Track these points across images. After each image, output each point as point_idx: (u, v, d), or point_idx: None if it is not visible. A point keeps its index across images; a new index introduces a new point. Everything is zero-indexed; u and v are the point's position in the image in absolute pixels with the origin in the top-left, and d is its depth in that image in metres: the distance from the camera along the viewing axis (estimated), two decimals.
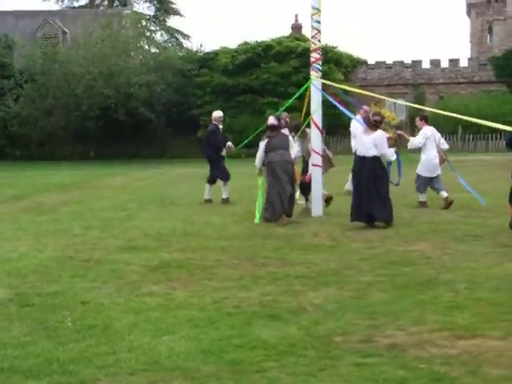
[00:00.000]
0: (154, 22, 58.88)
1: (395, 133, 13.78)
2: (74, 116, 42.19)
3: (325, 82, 13.52)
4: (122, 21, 48.32)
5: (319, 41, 12.93)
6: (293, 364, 4.97)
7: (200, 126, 41.61)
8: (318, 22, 12.83)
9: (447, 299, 6.59)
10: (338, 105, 13.48)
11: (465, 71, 47.44)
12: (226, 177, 15.32)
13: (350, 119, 15.25)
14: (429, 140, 13.81)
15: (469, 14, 65.39)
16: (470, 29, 65.59)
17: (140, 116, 41.82)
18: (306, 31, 42.53)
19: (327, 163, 13.55)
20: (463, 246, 9.39)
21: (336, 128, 37.97)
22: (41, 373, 4.89)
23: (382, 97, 17.10)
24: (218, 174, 15.40)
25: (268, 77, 42.44)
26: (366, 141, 11.49)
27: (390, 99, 17.81)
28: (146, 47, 49.42)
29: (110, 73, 41.68)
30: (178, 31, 60.53)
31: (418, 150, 14.15)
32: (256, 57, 43.29)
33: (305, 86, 13.59)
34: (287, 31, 49.13)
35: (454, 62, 47.94)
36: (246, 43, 44.92)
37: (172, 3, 62.48)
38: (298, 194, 13.72)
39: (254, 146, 14.21)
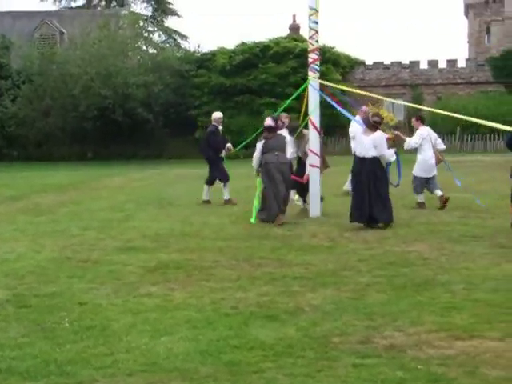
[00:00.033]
0: (151, 22, 58.88)
1: (393, 133, 13.77)
2: (71, 117, 42.19)
3: (323, 82, 13.53)
4: (119, 21, 48.31)
5: (317, 41, 12.94)
6: (290, 365, 4.97)
7: (198, 127, 41.62)
8: (316, 23, 12.84)
9: (445, 300, 6.60)
10: (337, 106, 13.49)
11: (463, 72, 47.50)
12: (225, 178, 15.33)
13: (348, 120, 15.25)
14: (425, 140, 13.82)
15: (466, 14, 65.43)
16: (467, 29, 65.62)
17: (138, 116, 41.81)
18: (304, 32, 42.50)
19: (322, 164, 13.56)
20: (461, 246, 9.40)
21: (334, 128, 38.03)
22: (38, 374, 4.89)
23: (379, 97, 17.08)
24: (217, 175, 15.41)
25: (266, 77, 42.44)
26: (365, 141, 11.50)
27: (388, 99, 17.78)
28: (144, 48, 49.40)
29: (108, 73, 41.66)
30: (175, 32, 60.57)
31: (415, 151, 14.16)
32: (254, 57, 43.29)
33: (302, 87, 13.60)
34: (285, 32, 49.25)
35: (451, 63, 48.00)
36: (243, 44, 44.93)
37: (169, 3, 62.57)
38: (295, 196, 13.75)
39: (252, 146, 14.22)
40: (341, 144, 40.90)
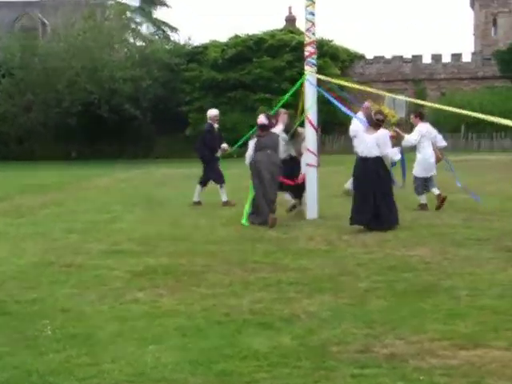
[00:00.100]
0: (139, 13, 58.84)
1: (394, 130, 13.80)
2: (54, 112, 42.19)
3: (320, 76, 13.55)
4: (105, 12, 48.39)
5: (314, 34, 12.96)
6: (286, 375, 4.98)
7: (188, 124, 41.64)
8: (313, 14, 12.85)
9: (448, 307, 6.60)
10: (337, 103, 13.49)
11: (468, 66, 47.65)
12: (220, 180, 15.32)
13: (347, 116, 15.25)
14: (424, 138, 13.82)
15: (472, 5, 65.55)
16: (473, 21, 65.77)
17: (125, 113, 41.83)
18: (301, 24, 42.63)
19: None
20: (465, 250, 9.41)
21: (332, 126, 38.09)
22: None
23: (380, 92, 17.10)
24: (212, 175, 15.41)
25: (260, 72, 42.49)
26: (368, 140, 11.52)
27: (389, 95, 17.79)
28: (131, 40, 49.49)
29: (93, 67, 41.69)
30: (164, 23, 60.52)
31: (413, 149, 14.17)
32: (247, 51, 43.33)
33: (299, 82, 13.60)
34: (281, 24, 49.32)
35: (456, 57, 48.14)
36: (236, 36, 44.99)
37: None
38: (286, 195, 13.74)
39: (246, 144, 14.23)
40: (339, 142, 41.00)
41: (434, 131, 14.19)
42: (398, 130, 13.99)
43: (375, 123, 11.71)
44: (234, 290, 7.46)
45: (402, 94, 42.36)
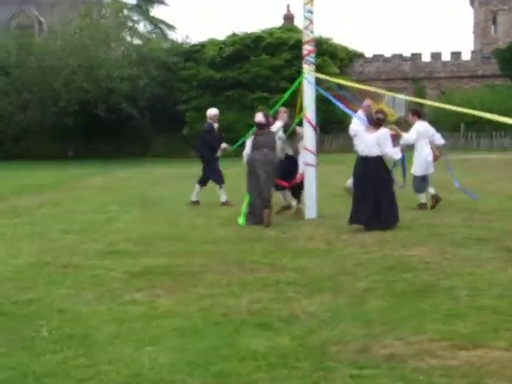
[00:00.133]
0: (136, 11, 58.82)
1: (392, 128, 13.80)
2: (51, 112, 42.17)
3: (318, 75, 13.55)
4: (102, 9, 48.35)
5: (312, 32, 12.97)
6: (284, 376, 4.98)
7: (186, 123, 41.61)
8: (311, 12, 12.86)
9: (447, 307, 6.60)
10: (337, 102, 13.49)
11: (468, 64, 47.67)
12: (220, 180, 15.33)
13: (345, 115, 15.24)
14: (422, 136, 13.82)
15: (472, 3, 65.59)
16: (473, 19, 65.80)
17: (122, 112, 41.80)
18: (299, 22, 42.62)
19: None
20: (465, 250, 9.41)
21: (331, 124, 38.04)
22: None
23: (380, 91, 17.13)
24: (211, 175, 15.42)
25: (258, 70, 42.46)
26: (368, 139, 11.53)
27: (388, 93, 17.82)
28: (128, 38, 49.42)
29: (90, 65, 41.65)
30: (162, 21, 60.51)
31: (411, 148, 14.15)
32: (245, 49, 43.31)
33: (297, 82, 13.59)
34: (279, 22, 49.32)
35: (456, 55, 48.16)
36: (234, 34, 44.96)
37: None
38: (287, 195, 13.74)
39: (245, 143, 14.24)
40: (337, 141, 40.99)
41: (431, 129, 14.18)
42: (396, 128, 13.99)
43: (376, 122, 11.71)
44: (232, 290, 7.46)
45: (402, 93, 42.31)
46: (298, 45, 34.10)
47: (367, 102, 14.77)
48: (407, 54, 48.95)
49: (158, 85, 43.56)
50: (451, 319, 6.19)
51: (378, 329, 5.99)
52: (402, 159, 12.33)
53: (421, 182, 13.77)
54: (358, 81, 38.67)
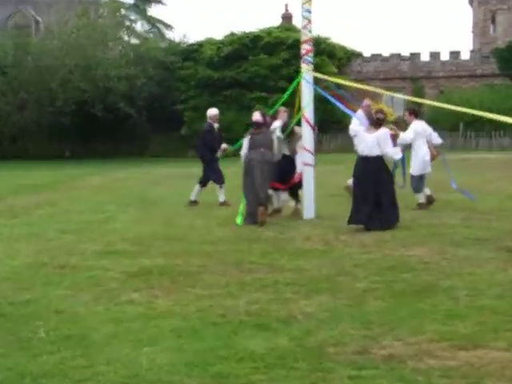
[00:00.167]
0: (133, 10, 58.81)
1: (391, 128, 13.81)
2: (48, 111, 42.16)
3: (317, 74, 13.55)
4: (99, 9, 48.33)
5: (310, 31, 12.98)
6: (283, 377, 4.97)
7: (184, 123, 41.60)
8: (309, 12, 12.87)
9: (447, 307, 6.60)
10: (335, 101, 13.48)
11: (466, 64, 47.71)
12: (220, 180, 15.33)
13: (344, 114, 15.23)
14: (419, 136, 13.83)
15: (471, 2, 65.62)
16: (472, 19, 65.83)
17: (119, 111, 41.79)
18: (297, 21, 42.59)
19: None
20: (464, 250, 9.42)
21: (329, 124, 38.05)
22: None
23: (378, 90, 17.13)
24: (211, 176, 15.42)
25: (256, 70, 42.47)
26: (368, 139, 11.53)
27: (387, 93, 17.82)
28: (126, 38, 49.43)
29: (87, 65, 41.64)
30: (159, 21, 60.55)
31: (408, 147, 14.15)
32: (243, 48, 43.31)
33: (296, 81, 13.58)
34: (277, 21, 49.31)
35: (454, 55, 48.19)
36: (232, 34, 44.98)
37: None
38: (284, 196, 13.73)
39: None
40: (336, 141, 40.99)
41: (429, 129, 14.19)
42: (394, 127, 13.99)
43: (376, 122, 11.72)
44: (230, 291, 7.45)
45: (400, 92, 42.33)
46: (296, 44, 34.12)
47: (367, 101, 14.77)
48: (406, 53, 49.02)
49: (156, 84, 43.56)
50: (451, 319, 6.19)
51: (377, 329, 5.98)
52: (402, 159, 12.34)
53: (419, 182, 13.77)
54: (357, 80, 38.69)
